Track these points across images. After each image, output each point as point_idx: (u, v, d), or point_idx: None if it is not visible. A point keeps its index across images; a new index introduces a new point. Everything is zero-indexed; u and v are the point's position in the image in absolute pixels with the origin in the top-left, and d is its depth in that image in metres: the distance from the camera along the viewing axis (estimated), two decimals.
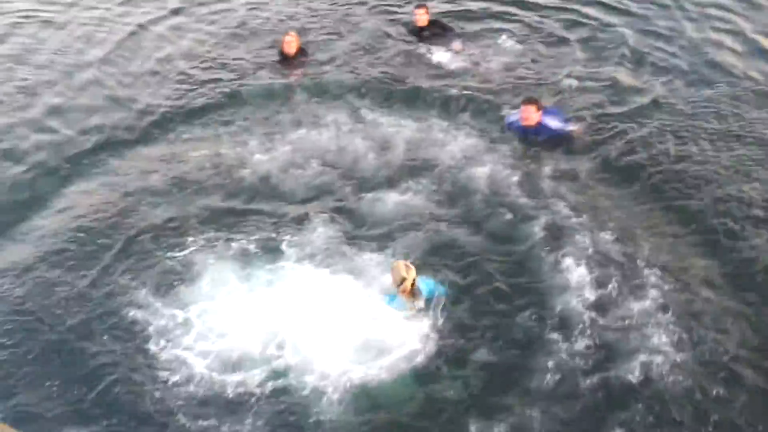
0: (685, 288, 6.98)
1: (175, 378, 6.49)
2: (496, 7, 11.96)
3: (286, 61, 10.58)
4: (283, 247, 7.64)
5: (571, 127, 8.78)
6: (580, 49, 10.81)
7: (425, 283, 6.84)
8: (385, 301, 6.80)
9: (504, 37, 11.06)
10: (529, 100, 8.67)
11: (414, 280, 6.66)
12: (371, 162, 8.75)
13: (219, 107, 9.95)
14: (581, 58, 10.58)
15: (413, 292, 6.71)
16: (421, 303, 6.74)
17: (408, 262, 6.74)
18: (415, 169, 8.60)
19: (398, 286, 6.67)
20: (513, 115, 8.93)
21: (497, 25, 11.45)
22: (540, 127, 8.64)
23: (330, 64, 10.63)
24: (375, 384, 6.29)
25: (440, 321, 6.73)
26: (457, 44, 10.75)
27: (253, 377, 6.43)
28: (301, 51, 10.63)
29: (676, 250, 7.45)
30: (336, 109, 9.66)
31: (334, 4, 12.39)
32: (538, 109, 8.60)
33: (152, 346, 6.75)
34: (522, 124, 8.67)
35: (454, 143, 8.92)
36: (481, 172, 8.44)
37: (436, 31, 10.97)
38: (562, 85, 9.86)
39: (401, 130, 9.19)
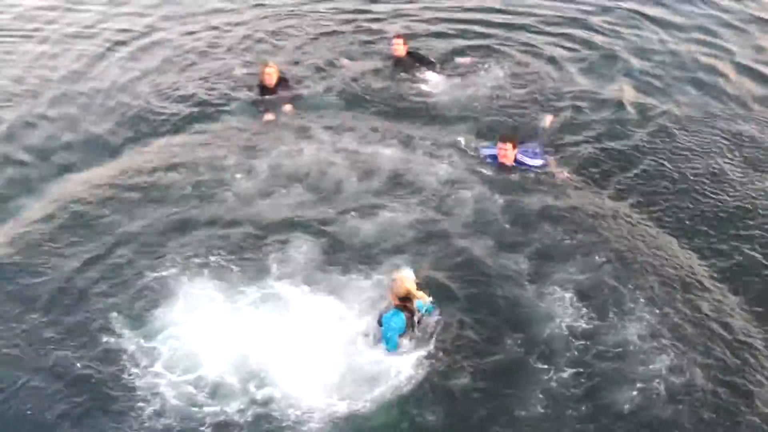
0: (674, 313, 6.97)
1: (149, 409, 6.19)
2: (483, 29, 12.32)
3: (266, 91, 10.38)
4: (264, 269, 7.47)
5: (549, 159, 8.90)
6: (565, 73, 11.05)
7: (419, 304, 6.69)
8: (385, 320, 6.58)
9: (490, 61, 11.26)
10: (506, 138, 8.76)
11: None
12: (354, 185, 8.70)
13: (198, 128, 9.85)
14: (566, 83, 10.79)
15: (410, 308, 6.56)
16: (417, 318, 6.59)
17: (407, 277, 6.57)
18: (398, 192, 8.59)
19: (401, 299, 6.51)
20: (488, 149, 9.05)
21: (482, 50, 11.68)
22: (516, 163, 8.78)
23: (309, 89, 10.63)
24: (360, 415, 6.10)
25: (426, 347, 6.59)
26: (432, 73, 10.87)
27: (232, 408, 6.17)
28: (282, 81, 10.44)
29: (664, 273, 7.44)
30: (317, 132, 9.60)
31: (308, 29, 12.54)
32: (515, 146, 8.74)
33: (124, 375, 6.46)
34: (500, 161, 8.80)
35: (437, 167, 8.94)
36: (465, 195, 8.45)
37: (413, 62, 11.02)
38: (539, 120, 9.92)
39: (384, 153, 9.18)
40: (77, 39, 12.66)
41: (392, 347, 6.50)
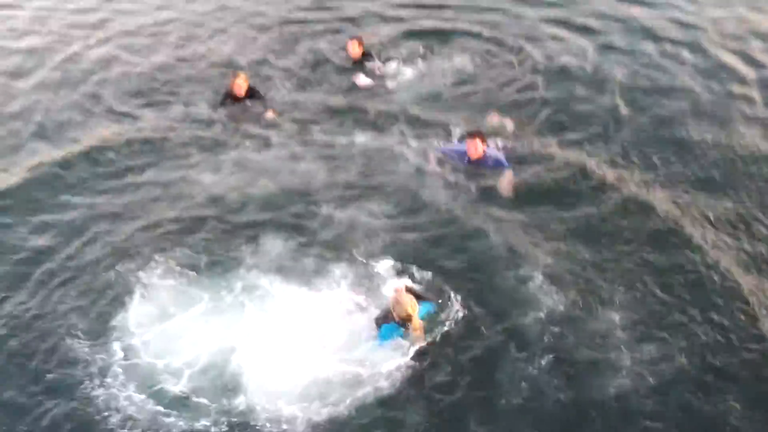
0: (654, 301, 6.95)
1: (115, 419, 5.87)
2: (448, 26, 12.26)
3: (233, 100, 10.05)
4: (235, 269, 7.24)
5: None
6: (527, 71, 10.96)
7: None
8: (383, 332, 6.45)
9: (451, 52, 11.26)
10: (475, 134, 8.71)
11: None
12: (323, 180, 8.58)
13: (165, 135, 9.58)
14: (528, 80, 10.70)
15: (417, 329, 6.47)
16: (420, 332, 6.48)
17: (406, 292, 6.46)
18: (368, 187, 8.51)
19: (404, 322, 6.39)
20: (450, 146, 8.97)
21: (440, 39, 11.69)
22: (485, 156, 8.73)
23: (274, 90, 10.44)
24: (342, 420, 5.86)
25: (406, 348, 6.41)
26: (389, 70, 10.80)
27: (206, 419, 5.84)
28: (251, 91, 10.10)
29: (630, 265, 7.41)
30: (284, 132, 9.47)
31: (271, 32, 12.35)
32: (483, 141, 8.69)
33: (87, 384, 6.14)
34: (470, 157, 8.70)
35: (406, 162, 8.85)
36: (433, 188, 8.39)
37: (370, 62, 10.87)
38: (494, 124, 9.73)
39: (351, 149, 9.09)
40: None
41: (383, 339, 6.45)
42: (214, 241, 7.64)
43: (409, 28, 12.32)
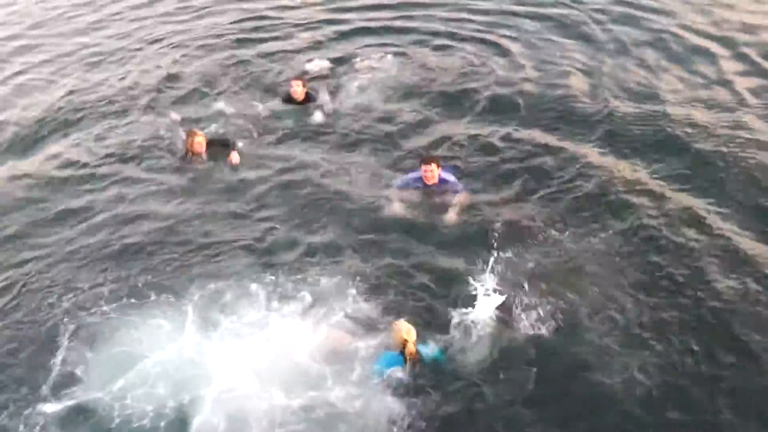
0: (636, 309, 7.16)
1: None
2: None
3: (195, 157, 10.03)
4: (189, 299, 7.41)
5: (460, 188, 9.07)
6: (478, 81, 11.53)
7: (425, 349, 6.70)
8: (382, 361, 6.56)
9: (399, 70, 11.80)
10: (430, 159, 8.94)
11: (414, 342, 6.56)
12: (277, 200, 8.96)
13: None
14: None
15: (413, 356, 6.55)
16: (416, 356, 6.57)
17: (407, 324, 6.60)
18: (321, 207, 8.84)
19: (401, 348, 6.52)
20: (406, 176, 9.17)
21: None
22: (441, 181, 8.97)
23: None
24: None
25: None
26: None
27: None
28: (210, 143, 10.09)
29: (604, 263, 7.70)
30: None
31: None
32: (438, 166, 8.95)
33: None
34: (427, 183, 8.92)
35: (356, 180, 9.20)
36: (388, 205, 8.75)
37: (315, 100, 11.04)
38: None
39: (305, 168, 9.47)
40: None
41: (380, 369, 6.54)
42: (167, 272, 7.84)
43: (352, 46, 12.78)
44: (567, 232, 8.23)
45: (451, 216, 8.65)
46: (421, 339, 6.73)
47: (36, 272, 8.13)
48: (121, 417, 6.36)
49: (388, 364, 6.61)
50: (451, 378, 6.59)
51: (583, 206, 8.65)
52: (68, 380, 6.75)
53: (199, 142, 9.95)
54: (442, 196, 8.91)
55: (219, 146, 10.09)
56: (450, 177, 9.03)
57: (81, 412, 6.43)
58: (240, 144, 10.18)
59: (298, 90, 10.98)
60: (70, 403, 6.51)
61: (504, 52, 12.50)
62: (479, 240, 8.12)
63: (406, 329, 6.59)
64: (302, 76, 11.45)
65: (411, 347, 6.55)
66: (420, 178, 8.93)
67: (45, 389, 6.63)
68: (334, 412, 6.30)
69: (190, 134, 10.08)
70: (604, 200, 8.71)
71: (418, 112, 10.82)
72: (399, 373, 6.53)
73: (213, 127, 10.68)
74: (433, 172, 8.85)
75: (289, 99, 11.09)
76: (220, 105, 11.36)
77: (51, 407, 6.45)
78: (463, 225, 8.52)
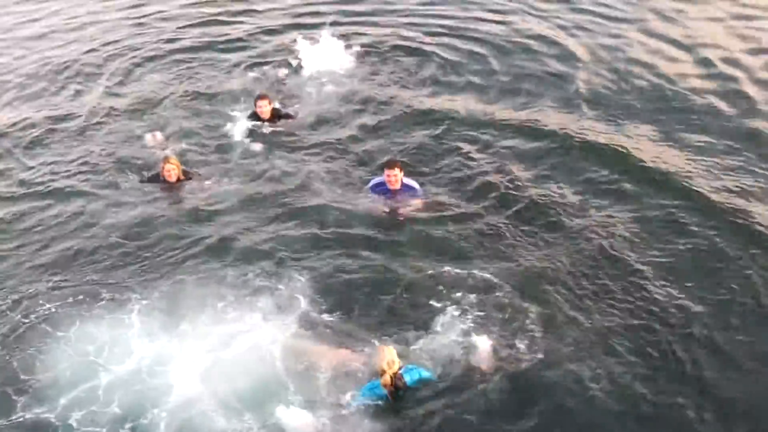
0: (591, 316, 7.09)
1: None
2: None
3: (167, 184, 9.76)
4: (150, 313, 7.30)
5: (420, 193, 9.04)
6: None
7: (410, 373, 6.42)
8: (365, 390, 6.37)
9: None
10: (393, 164, 8.89)
11: (396, 373, 6.30)
12: (242, 211, 8.92)
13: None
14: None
15: (395, 384, 6.28)
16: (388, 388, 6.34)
17: (391, 352, 6.37)
18: (287, 216, 8.82)
19: (380, 376, 6.33)
20: (374, 180, 9.13)
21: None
22: (403, 187, 8.89)
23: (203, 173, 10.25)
24: None
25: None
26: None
27: None
28: (184, 173, 9.84)
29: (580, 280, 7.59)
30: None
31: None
32: (401, 170, 8.88)
33: None
34: (389, 188, 8.86)
35: (323, 188, 9.18)
36: (355, 211, 8.72)
37: (279, 122, 10.93)
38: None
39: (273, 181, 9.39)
40: None
41: (363, 395, 6.36)
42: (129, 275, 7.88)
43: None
44: (533, 238, 8.19)
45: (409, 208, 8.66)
46: (405, 360, 6.54)
47: None
48: None
49: (369, 395, 6.37)
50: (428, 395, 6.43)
51: (549, 212, 8.59)
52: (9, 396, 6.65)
53: (169, 170, 9.63)
54: (405, 204, 8.84)
55: (188, 175, 9.90)
56: (413, 184, 8.95)
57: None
58: (201, 172, 10.04)
59: (264, 109, 10.90)
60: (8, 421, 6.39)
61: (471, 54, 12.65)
62: (445, 250, 8.07)
63: (388, 359, 6.29)
64: (267, 93, 11.30)
65: (386, 379, 6.25)
66: (382, 183, 8.86)
67: None
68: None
69: (165, 160, 9.76)
70: (571, 206, 8.68)
71: (379, 117, 10.89)
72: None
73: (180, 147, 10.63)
74: (396, 177, 8.78)
75: (255, 117, 10.97)
76: (186, 124, 11.27)
77: None
78: (427, 234, 8.40)
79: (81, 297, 7.75)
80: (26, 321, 7.47)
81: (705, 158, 9.34)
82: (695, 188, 8.67)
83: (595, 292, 7.36)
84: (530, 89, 11.59)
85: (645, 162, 9.33)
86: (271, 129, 10.85)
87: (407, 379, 6.38)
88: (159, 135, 10.92)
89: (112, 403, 6.48)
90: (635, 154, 9.50)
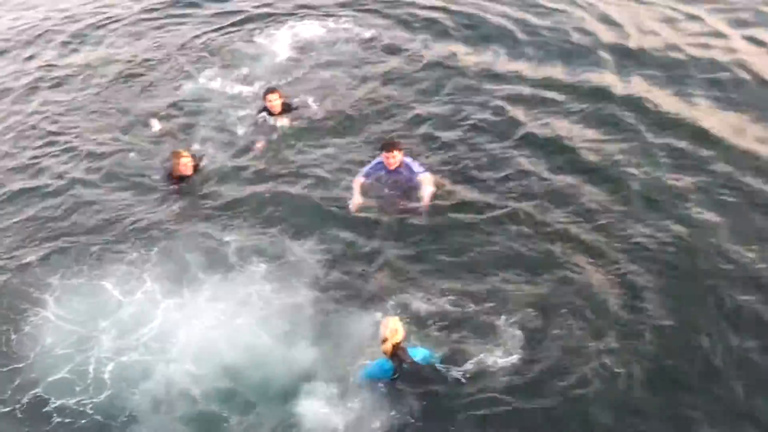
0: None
1: None
2: None
3: (182, 180, 9.66)
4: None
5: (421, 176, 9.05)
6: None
7: (415, 352, 6.54)
8: (371, 369, 6.58)
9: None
10: (392, 145, 8.97)
11: (398, 343, 6.39)
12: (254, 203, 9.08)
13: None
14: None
15: (398, 355, 6.37)
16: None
17: (396, 322, 6.47)
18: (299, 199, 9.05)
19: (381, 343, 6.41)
20: (368, 165, 9.21)
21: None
22: (403, 166, 8.97)
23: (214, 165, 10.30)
24: None
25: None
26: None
27: None
28: (197, 167, 9.78)
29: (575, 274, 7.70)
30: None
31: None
32: (400, 151, 8.95)
33: None
34: (389, 168, 8.96)
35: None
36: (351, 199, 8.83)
37: (289, 115, 10.91)
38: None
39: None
40: None
41: (362, 377, 6.53)
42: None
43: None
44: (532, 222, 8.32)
45: (424, 202, 8.66)
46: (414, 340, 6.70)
47: None
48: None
49: (374, 374, 6.52)
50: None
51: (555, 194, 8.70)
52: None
53: (185, 163, 9.41)
54: (406, 184, 8.95)
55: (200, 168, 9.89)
56: (413, 163, 9.02)
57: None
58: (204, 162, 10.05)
59: (275, 103, 10.83)
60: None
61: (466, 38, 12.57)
62: (447, 234, 8.23)
63: (391, 327, 6.35)
64: (276, 87, 11.22)
65: (387, 346, 6.33)
66: (381, 164, 8.95)
67: None
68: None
69: (174, 156, 9.56)
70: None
71: (389, 97, 10.98)
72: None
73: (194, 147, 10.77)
74: (395, 158, 8.86)
75: (265, 111, 10.92)
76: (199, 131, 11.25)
77: None
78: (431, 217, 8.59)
79: (84, 268, 8.29)
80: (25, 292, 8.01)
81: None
82: None
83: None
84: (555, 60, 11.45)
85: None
86: (282, 122, 10.86)
87: (413, 354, 6.47)
88: (157, 124, 11.06)
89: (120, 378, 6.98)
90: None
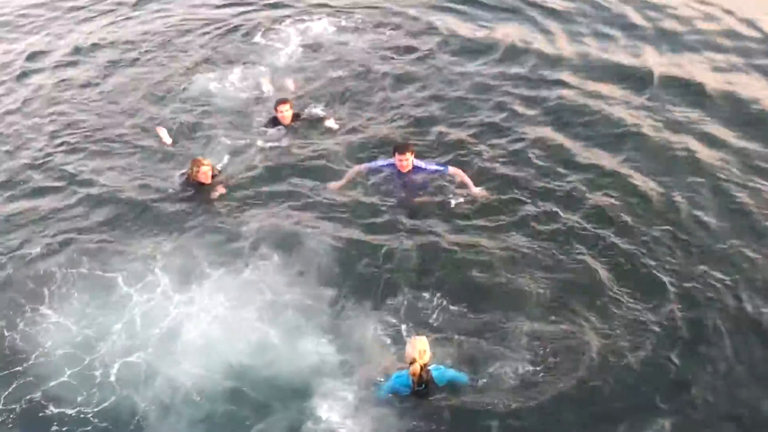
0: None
1: None
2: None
3: (201, 187, 9.57)
4: None
5: (450, 170, 9.05)
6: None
7: (439, 372, 6.47)
8: (390, 383, 6.46)
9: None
10: (405, 148, 8.92)
11: (426, 364, 6.34)
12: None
13: None
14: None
15: (422, 377, 6.31)
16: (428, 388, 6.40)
17: (424, 343, 6.39)
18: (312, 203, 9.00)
19: (409, 364, 6.32)
20: (377, 162, 9.21)
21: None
22: (415, 169, 8.92)
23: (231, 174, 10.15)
24: None
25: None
26: (330, 123, 10.79)
27: None
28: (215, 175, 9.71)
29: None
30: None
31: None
32: (413, 153, 8.91)
33: None
34: (402, 171, 8.93)
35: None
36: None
37: (302, 124, 10.81)
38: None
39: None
40: None
41: (382, 393, 6.42)
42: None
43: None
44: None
45: (475, 192, 8.69)
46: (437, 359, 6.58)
47: None
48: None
49: (392, 389, 6.43)
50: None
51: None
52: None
53: (205, 172, 9.40)
54: (417, 184, 8.94)
55: (219, 176, 9.79)
56: (424, 164, 9.00)
57: None
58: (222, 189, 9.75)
59: (286, 114, 10.68)
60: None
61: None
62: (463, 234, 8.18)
63: (419, 348, 6.29)
64: (287, 98, 11.01)
65: (416, 368, 6.27)
66: (393, 165, 8.92)
67: None
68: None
69: (195, 164, 9.49)
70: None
71: (400, 97, 10.98)
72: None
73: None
74: (408, 160, 8.84)
75: (275, 123, 10.83)
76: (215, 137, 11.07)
77: None
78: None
79: (92, 263, 8.23)
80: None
81: None
82: None
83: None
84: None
85: None
86: (294, 132, 10.74)
87: (435, 374, 6.37)
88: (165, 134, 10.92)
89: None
90: None
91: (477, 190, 8.70)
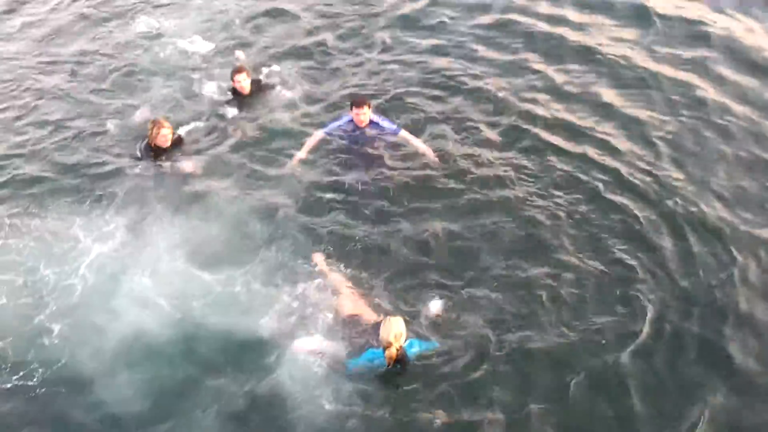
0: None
1: None
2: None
3: (158, 152, 9.04)
4: None
5: (400, 133, 8.83)
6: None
7: (411, 347, 6.29)
8: (362, 357, 6.27)
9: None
10: (361, 102, 8.69)
11: (401, 347, 6.13)
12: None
13: None
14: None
15: (397, 357, 6.11)
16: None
17: (400, 325, 6.14)
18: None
19: (384, 348, 6.10)
20: (333, 122, 8.94)
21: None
22: (371, 124, 8.72)
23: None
24: None
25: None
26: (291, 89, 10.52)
27: None
28: (176, 141, 9.19)
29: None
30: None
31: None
32: (370, 106, 8.69)
33: None
34: (359, 126, 8.72)
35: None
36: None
37: (260, 93, 10.40)
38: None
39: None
40: None
41: (352, 366, 6.25)
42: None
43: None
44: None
45: (426, 152, 8.49)
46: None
47: None
48: None
49: (364, 366, 6.26)
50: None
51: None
52: None
53: (165, 134, 8.68)
54: (374, 142, 8.75)
55: (181, 143, 9.22)
56: (381, 120, 8.77)
57: None
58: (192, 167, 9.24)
59: (244, 83, 10.20)
60: None
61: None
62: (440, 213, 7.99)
63: (395, 332, 6.03)
64: (244, 66, 10.52)
65: (392, 352, 6.06)
66: (350, 121, 8.66)
67: None
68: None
69: (154, 124, 8.73)
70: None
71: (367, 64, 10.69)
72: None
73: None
74: (365, 114, 8.62)
75: (235, 93, 10.34)
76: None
77: None
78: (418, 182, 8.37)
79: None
80: None
81: None
82: None
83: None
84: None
85: None
86: (252, 103, 10.30)
87: (409, 352, 6.22)
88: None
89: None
90: None
91: (429, 153, 8.44)
